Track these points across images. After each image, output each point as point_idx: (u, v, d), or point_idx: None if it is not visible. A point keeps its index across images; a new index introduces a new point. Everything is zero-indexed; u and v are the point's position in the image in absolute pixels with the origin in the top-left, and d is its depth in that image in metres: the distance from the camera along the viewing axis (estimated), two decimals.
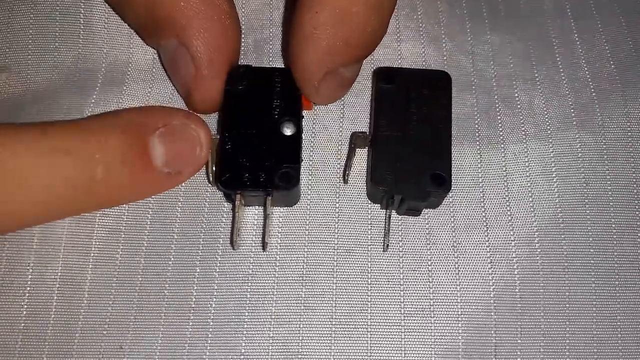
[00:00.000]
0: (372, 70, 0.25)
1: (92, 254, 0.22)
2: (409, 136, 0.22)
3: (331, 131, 0.24)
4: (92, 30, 0.24)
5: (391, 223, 0.23)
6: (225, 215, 0.23)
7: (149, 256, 0.22)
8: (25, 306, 0.21)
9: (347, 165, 0.23)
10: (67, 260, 0.22)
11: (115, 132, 0.20)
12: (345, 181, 0.23)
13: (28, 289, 0.21)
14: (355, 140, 0.23)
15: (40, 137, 0.19)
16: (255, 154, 0.22)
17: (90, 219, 0.22)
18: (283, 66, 0.25)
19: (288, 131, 0.22)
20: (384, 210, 0.23)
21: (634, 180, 0.24)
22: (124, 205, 0.23)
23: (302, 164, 0.23)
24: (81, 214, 0.22)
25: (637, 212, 0.24)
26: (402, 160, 0.22)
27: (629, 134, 0.25)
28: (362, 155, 0.24)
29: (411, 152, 0.22)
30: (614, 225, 0.24)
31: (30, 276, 0.22)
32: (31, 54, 0.24)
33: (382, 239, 0.23)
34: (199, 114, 0.24)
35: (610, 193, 0.24)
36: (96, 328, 0.21)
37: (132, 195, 0.22)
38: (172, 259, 0.22)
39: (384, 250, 0.23)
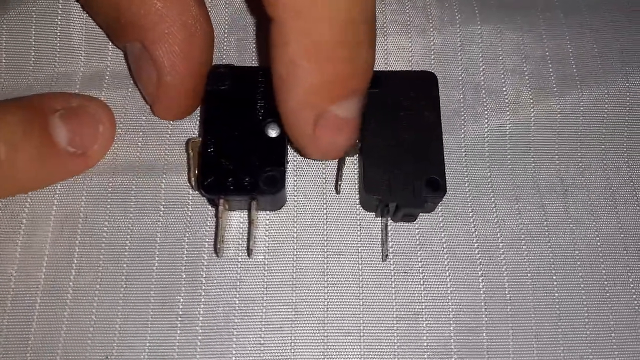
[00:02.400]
0: None
1: (74, 262, 0.22)
2: (399, 141, 0.22)
3: None
4: (70, 36, 0.24)
5: (376, 227, 0.23)
6: (209, 220, 0.22)
7: (132, 263, 0.22)
8: (7, 317, 0.21)
9: (339, 175, 0.23)
10: (49, 268, 0.21)
11: (14, 111, 0.20)
12: (338, 192, 0.23)
13: (10, 299, 0.21)
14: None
15: None
16: (238, 156, 0.21)
17: (72, 226, 0.22)
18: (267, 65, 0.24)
19: (273, 133, 0.22)
20: (374, 214, 0.23)
21: (610, 182, 0.24)
22: (106, 211, 0.22)
23: (287, 166, 0.22)
24: None
25: (617, 211, 0.24)
26: (394, 166, 0.22)
27: (604, 132, 0.25)
28: (351, 162, 0.23)
29: (403, 158, 0.22)
30: (595, 223, 0.24)
31: (12, 285, 0.21)
32: (6, 60, 0.24)
33: (372, 242, 0.23)
34: (168, 120, 0.23)
35: (588, 194, 0.24)
36: (80, 338, 0.21)
37: (41, 176, 0.22)
38: (156, 265, 0.22)
39: (382, 260, 0.22)
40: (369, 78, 0.20)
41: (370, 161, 0.22)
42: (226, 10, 0.25)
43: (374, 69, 0.20)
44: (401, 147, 0.22)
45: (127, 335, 0.21)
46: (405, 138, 0.22)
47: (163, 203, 0.22)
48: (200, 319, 0.21)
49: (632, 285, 0.23)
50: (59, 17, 0.24)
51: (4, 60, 0.24)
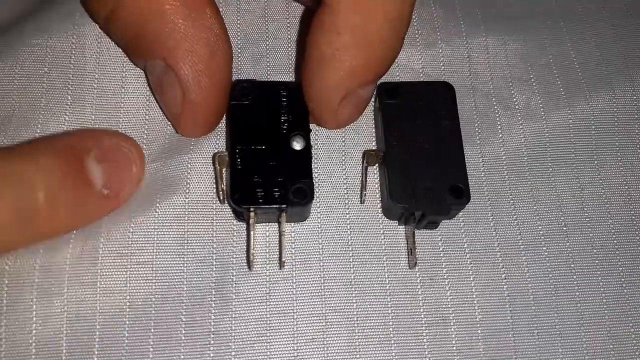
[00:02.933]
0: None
1: (98, 285, 0.21)
2: (420, 151, 0.22)
3: (334, 143, 0.24)
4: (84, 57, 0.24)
5: (400, 236, 0.23)
6: (235, 234, 0.22)
7: (161, 282, 0.21)
8: (34, 343, 0.20)
9: (363, 186, 0.23)
10: (72, 293, 0.21)
11: (51, 154, 0.20)
12: (362, 201, 0.23)
13: (34, 325, 0.20)
14: (368, 159, 0.23)
15: None
16: (266, 169, 0.21)
17: (93, 247, 0.21)
18: (282, 79, 0.25)
19: (297, 146, 0.22)
20: (397, 223, 0.23)
21: (625, 179, 0.25)
22: (129, 229, 0.22)
23: None
24: (25, 246, 0.20)
25: (632, 207, 0.25)
26: (418, 175, 0.22)
27: (617, 131, 0.26)
28: (371, 172, 0.24)
29: (426, 166, 0.22)
30: (611, 221, 0.25)
31: (35, 312, 0.20)
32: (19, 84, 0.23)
33: (397, 251, 0.23)
34: (191, 137, 0.23)
35: (604, 193, 0.25)
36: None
37: (76, 219, 0.21)
38: (186, 283, 0.21)
39: (410, 268, 0.23)
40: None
41: (394, 171, 0.22)
42: (238, 26, 0.25)
43: (393, 81, 0.22)
44: (423, 156, 0.22)
45: (161, 355, 0.21)
46: (427, 147, 0.22)
47: (189, 220, 0.22)
48: (233, 334, 0.21)
49: None
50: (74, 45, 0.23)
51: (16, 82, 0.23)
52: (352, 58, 0.20)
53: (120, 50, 0.23)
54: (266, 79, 0.24)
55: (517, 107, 0.26)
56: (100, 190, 0.21)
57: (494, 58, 0.27)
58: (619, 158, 0.26)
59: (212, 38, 0.21)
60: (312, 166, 0.23)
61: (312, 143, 0.23)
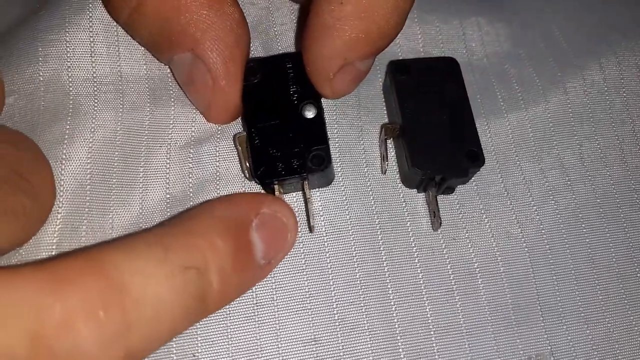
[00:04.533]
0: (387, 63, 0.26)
1: None
2: (435, 120, 0.23)
3: (351, 118, 0.25)
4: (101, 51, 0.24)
5: (420, 202, 0.24)
6: None
7: None
8: None
9: (384, 157, 0.24)
10: None
11: (220, 235, 0.19)
12: (384, 172, 0.24)
13: None
14: (386, 131, 0.24)
15: (162, 254, 0.17)
16: (283, 142, 0.22)
17: None
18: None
19: (309, 114, 0.23)
20: (417, 192, 0.24)
21: (617, 133, 0.27)
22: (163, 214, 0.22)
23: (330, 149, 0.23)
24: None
25: (626, 161, 0.27)
26: (435, 143, 0.23)
27: (606, 91, 0.28)
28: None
29: (441, 135, 0.23)
30: (608, 173, 0.26)
31: None
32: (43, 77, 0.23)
33: (419, 216, 0.24)
34: (221, 124, 0.24)
35: (599, 147, 0.27)
36: None
37: (237, 295, 0.20)
38: None
39: (434, 230, 0.24)
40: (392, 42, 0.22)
41: (413, 140, 0.23)
42: (248, 17, 0.26)
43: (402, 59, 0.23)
44: (438, 125, 0.23)
45: (210, 331, 0.21)
46: (440, 117, 0.24)
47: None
48: (276, 303, 0.22)
49: None
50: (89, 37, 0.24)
51: (41, 77, 0.23)
52: (353, 29, 0.20)
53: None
54: (276, 54, 0.25)
55: (512, 79, 0.27)
56: (259, 261, 0.20)
57: (486, 35, 0.28)
58: (611, 114, 0.27)
59: (235, 25, 0.22)
60: (333, 142, 0.24)
61: (329, 117, 0.24)
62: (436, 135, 0.23)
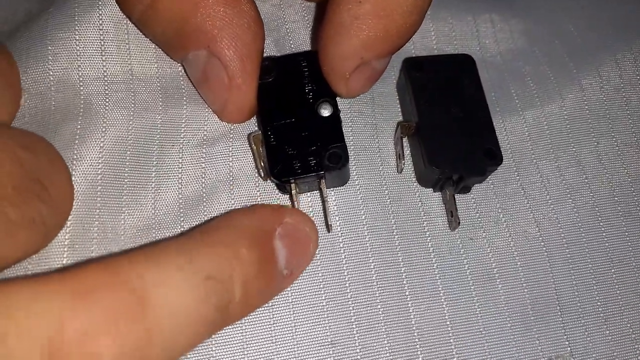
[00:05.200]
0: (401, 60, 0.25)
1: None
2: (451, 118, 0.23)
3: (365, 116, 0.25)
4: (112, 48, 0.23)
5: (436, 202, 0.24)
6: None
7: None
8: None
9: (400, 156, 0.23)
10: None
11: (245, 245, 0.18)
12: (400, 171, 0.24)
13: None
14: (402, 129, 0.23)
15: (186, 265, 0.17)
16: (299, 140, 0.22)
17: None
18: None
19: (325, 112, 0.22)
20: (433, 191, 0.24)
21: (636, 129, 0.27)
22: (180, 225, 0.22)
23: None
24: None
25: None
26: (452, 141, 0.23)
27: (623, 87, 0.27)
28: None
29: (458, 133, 0.23)
30: (626, 171, 0.26)
31: None
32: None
33: (435, 215, 0.24)
34: (235, 124, 0.23)
35: (617, 144, 0.26)
36: None
37: (259, 306, 0.20)
38: None
39: (452, 230, 0.23)
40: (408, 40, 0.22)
41: (429, 139, 0.23)
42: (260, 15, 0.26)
43: (417, 56, 0.23)
44: (454, 123, 0.23)
45: (226, 333, 0.21)
46: (456, 115, 0.23)
47: (235, 197, 0.22)
48: (291, 306, 0.21)
49: None
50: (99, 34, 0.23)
51: (51, 77, 0.23)
52: (371, 27, 0.20)
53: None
54: (291, 53, 0.25)
55: (527, 76, 0.27)
56: (282, 271, 0.20)
57: (500, 32, 0.28)
58: (627, 111, 0.27)
59: (251, 22, 0.21)
60: (349, 138, 0.23)
61: (345, 116, 0.23)
62: (452, 133, 0.23)
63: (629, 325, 0.23)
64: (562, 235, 0.24)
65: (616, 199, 0.25)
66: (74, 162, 0.21)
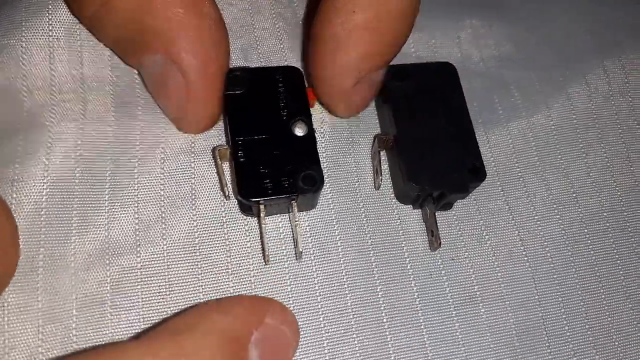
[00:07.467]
0: None
1: (109, 304, 0.19)
2: (431, 131, 0.22)
3: (340, 133, 0.23)
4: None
5: (415, 219, 0.22)
6: (243, 230, 0.21)
7: (175, 294, 0.20)
8: None
9: (377, 171, 0.22)
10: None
11: (218, 349, 0.16)
12: (377, 187, 0.22)
13: None
14: (379, 143, 0.22)
15: None
16: (271, 159, 0.20)
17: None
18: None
19: (300, 132, 0.21)
20: (413, 208, 0.22)
21: (624, 142, 0.26)
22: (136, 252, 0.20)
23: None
24: None
25: (634, 171, 0.25)
26: (432, 155, 0.21)
27: (612, 96, 0.26)
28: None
29: (439, 146, 0.21)
30: (615, 184, 0.25)
31: None
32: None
33: (414, 234, 0.22)
34: (193, 134, 0.21)
35: (606, 156, 0.25)
36: None
37: None
38: (202, 291, 0.20)
39: (433, 250, 0.22)
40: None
41: (408, 153, 0.21)
42: (226, 19, 0.24)
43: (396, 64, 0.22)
44: (435, 136, 0.22)
45: None
46: (437, 127, 0.22)
47: (199, 223, 0.21)
48: None
49: None
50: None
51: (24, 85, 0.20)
52: (367, 40, 0.19)
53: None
54: (268, 66, 0.23)
55: (511, 85, 0.26)
56: None
57: (482, 39, 0.26)
58: (617, 120, 0.26)
59: (212, 25, 0.19)
60: (321, 156, 0.22)
61: (317, 129, 0.22)
62: (433, 146, 0.21)
63: (619, 350, 0.22)
64: (549, 254, 0.23)
65: (605, 214, 0.24)
66: (14, 183, 0.19)
